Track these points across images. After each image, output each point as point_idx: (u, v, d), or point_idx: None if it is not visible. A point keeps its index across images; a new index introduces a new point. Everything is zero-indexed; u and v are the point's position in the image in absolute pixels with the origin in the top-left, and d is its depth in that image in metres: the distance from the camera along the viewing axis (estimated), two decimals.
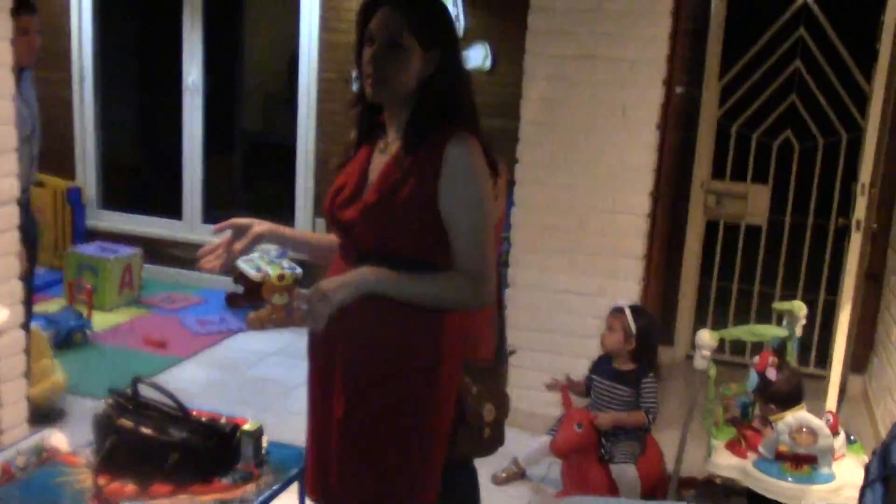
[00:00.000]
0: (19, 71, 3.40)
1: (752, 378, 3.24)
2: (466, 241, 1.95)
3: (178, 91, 6.06)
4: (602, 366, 3.51)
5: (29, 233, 3.54)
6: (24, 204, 3.44)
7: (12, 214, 3.28)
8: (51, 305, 5.27)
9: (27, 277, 3.51)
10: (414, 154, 1.96)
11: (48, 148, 6.19)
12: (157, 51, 6.84)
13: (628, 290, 3.97)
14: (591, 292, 3.98)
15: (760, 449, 3.14)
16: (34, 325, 3.99)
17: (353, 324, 1.99)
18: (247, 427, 2.55)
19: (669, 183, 4.76)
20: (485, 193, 1.97)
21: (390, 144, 2.04)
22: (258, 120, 7.85)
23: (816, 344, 4.97)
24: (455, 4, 5.24)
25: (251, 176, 7.33)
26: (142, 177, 7.22)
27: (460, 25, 5.25)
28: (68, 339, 4.73)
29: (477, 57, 5.25)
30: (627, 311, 3.41)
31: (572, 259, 4.02)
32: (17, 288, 3.33)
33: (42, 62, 6.12)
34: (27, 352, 3.45)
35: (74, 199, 6.12)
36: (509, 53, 4.86)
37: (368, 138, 2.10)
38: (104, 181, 6.43)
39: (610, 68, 3.81)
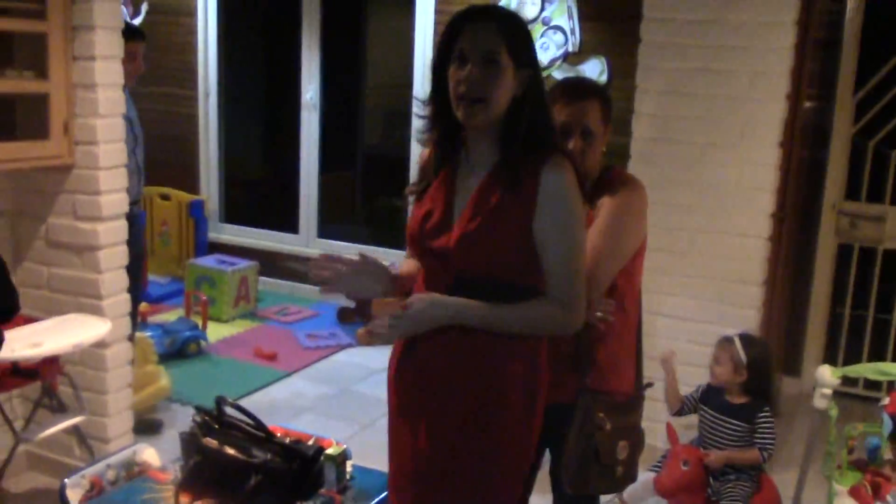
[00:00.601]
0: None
1: (886, 423, 2.96)
2: (559, 268, 1.91)
3: (298, 107, 6.17)
4: (712, 397, 3.29)
5: (136, 245, 3.63)
6: (132, 217, 3.53)
7: (122, 229, 3.37)
8: (170, 315, 5.43)
9: (133, 288, 3.61)
10: (509, 178, 1.90)
11: (174, 162, 6.51)
12: (279, 68, 7.01)
13: (746, 317, 3.73)
14: (708, 319, 3.76)
15: (889, 498, 2.85)
16: (141, 333, 4.09)
17: (443, 356, 1.95)
18: (330, 451, 2.50)
19: (797, 204, 4.47)
20: (579, 219, 1.93)
21: (476, 167, 1.97)
22: (378, 135, 7.94)
23: None
24: (570, 17, 5.11)
25: (370, 190, 7.40)
26: (262, 191, 7.41)
27: (575, 39, 5.12)
28: (183, 349, 4.85)
29: (593, 71, 5.09)
30: (737, 341, 3.18)
31: (687, 283, 3.81)
32: (125, 301, 3.41)
33: (170, 79, 6.42)
34: (132, 363, 3.53)
35: (197, 212, 6.32)
36: (626, 68, 4.68)
37: (446, 160, 2.02)
38: (226, 195, 6.62)
39: (728, 82, 3.60)
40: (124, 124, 3.33)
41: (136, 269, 3.63)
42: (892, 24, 4.52)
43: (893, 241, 4.68)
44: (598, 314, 2.21)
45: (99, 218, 3.26)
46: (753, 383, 3.17)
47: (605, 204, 2.26)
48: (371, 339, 1.90)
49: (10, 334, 2.81)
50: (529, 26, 5.14)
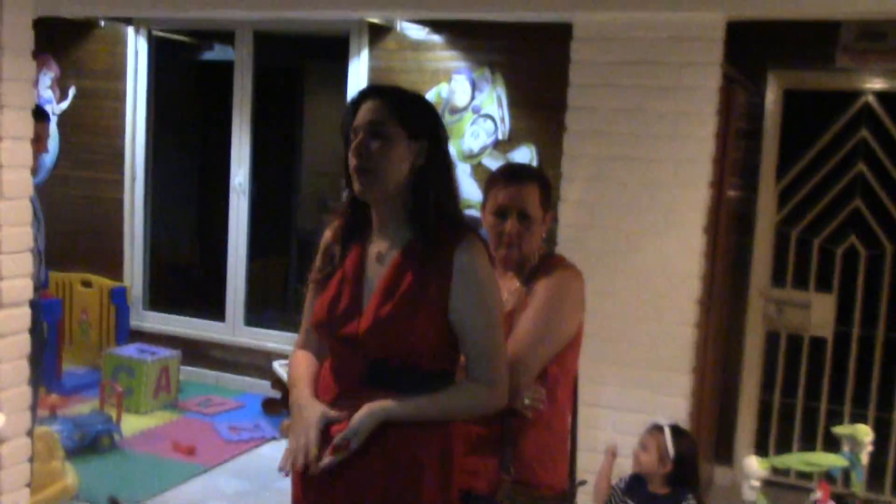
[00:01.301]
0: None
1: None
2: (480, 348, 1.88)
3: (228, 191, 6.07)
4: (636, 490, 3.18)
5: (38, 334, 3.47)
6: (34, 304, 3.37)
7: (24, 316, 3.19)
8: (83, 408, 5.17)
9: (33, 380, 3.42)
10: (420, 260, 1.85)
11: (97, 248, 6.33)
12: (210, 151, 6.94)
13: (677, 406, 3.67)
14: (640, 409, 3.69)
15: None
16: (46, 427, 3.86)
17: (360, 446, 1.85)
18: None
19: (724, 290, 4.48)
20: (495, 299, 1.91)
21: (387, 251, 1.91)
22: (313, 220, 7.87)
23: (894, 468, 4.53)
24: (500, 106, 5.16)
25: (303, 276, 7.27)
26: (189, 277, 7.23)
27: (505, 128, 5.16)
28: (94, 443, 4.59)
29: (523, 159, 5.12)
30: (667, 431, 3.10)
31: (618, 372, 3.75)
32: (26, 393, 3.22)
33: (95, 163, 6.28)
34: (31, 460, 3.31)
35: (120, 299, 6.10)
36: (554, 155, 4.71)
37: (350, 242, 1.95)
38: (151, 281, 6.42)
39: (652, 170, 3.63)
40: (30, 208, 3.20)
41: (37, 359, 3.45)
42: (812, 115, 4.65)
43: (819, 328, 4.70)
44: (526, 401, 2.15)
45: (0, 305, 3.09)
46: (678, 475, 3.09)
47: (540, 288, 2.22)
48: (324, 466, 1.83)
49: None
50: (459, 115, 5.23)
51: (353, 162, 1.87)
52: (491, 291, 1.89)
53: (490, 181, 2.34)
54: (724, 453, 4.76)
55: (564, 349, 2.27)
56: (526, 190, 2.26)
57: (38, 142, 3.50)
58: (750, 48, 4.33)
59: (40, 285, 3.60)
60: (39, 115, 3.44)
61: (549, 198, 2.33)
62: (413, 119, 1.87)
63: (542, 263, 2.31)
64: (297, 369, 2.03)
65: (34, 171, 3.44)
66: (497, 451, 2.20)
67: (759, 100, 4.60)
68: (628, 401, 3.70)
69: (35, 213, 3.49)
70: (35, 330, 3.30)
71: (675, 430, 3.14)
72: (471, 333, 1.87)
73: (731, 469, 4.74)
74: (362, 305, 1.88)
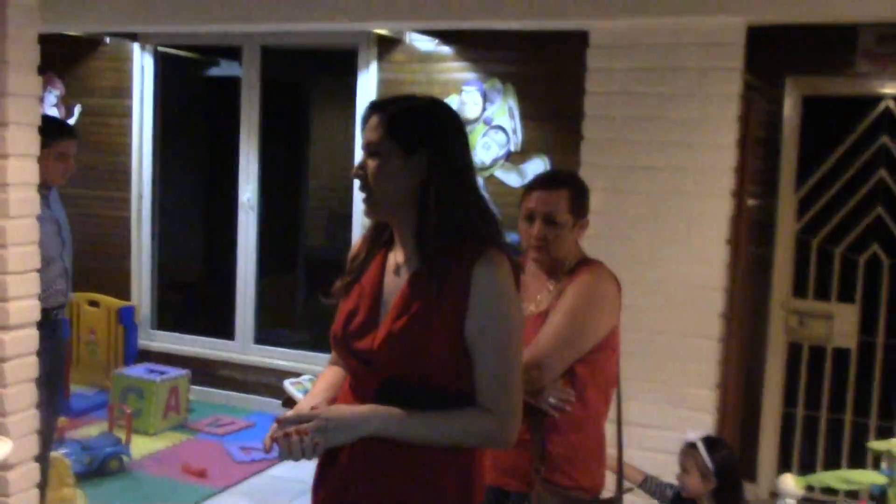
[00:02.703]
0: (47, 189, 3.40)
1: None
2: (492, 375, 1.74)
3: (236, 208, 5.99)
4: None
5: (57, 354, 3.44)
6: (55, 324, 3.34)
7: (32, 339, 3.11)
8: (92, 430, 5.08)
9: (50, 403, 3.35)
10: (437, 275, 1.74)
11: (104, 267, 6.25)
12: (217, 168, 6.87)
13: (701, 421, 3.57)
14: (660, 424, 3.59)
15: None
16: (58, 451, 3.77)
17: (368, 468, 1.75)
18: None
19: (745, 303, 4.39)
20: (514, 320, 1.77)
21: (403, 263, 1.81)
22: (321, 237, 7.80)
23: None
24: (512, 117, 5.08)
25: (312, 293, 7.20)
26: (197, 296, 7.15)
27: (517, 139, 5.08)
28: (103, 466, 4.50)
29: (536, 171, 5.03)
30: (700, 446, 2.99)
31: (639, 387, 3.64)
32: (32, 417, 3.13)
33: (102, 181, 6.22)
34: (41, 486, 3.21)
35: (127, 319, 6.02)
36: (570, 166, 4.63)
37: (373, 253, 1.87)
38: (159, 301, 6.35)
39: (672, 179, 3.55)
40: (52, 226, 3.16)
41: (55, 382, 3.38)
42: (831, 122, 4.56)
43: (842, 338, 4.60)
44: (552, 400, 2.18)
45: (6, 326, 3.01)
46: (724, 491, 2.97)
47: (570, 290, 2.27)
48: (286, 454, 1.66)
49: None
50: (470, 126, 5.15)
51: (357, 182, 1.81)
52: (510, 313, 1.75)
53: (525, 188, 2.43)
54: (748, 469, 4.64)
55: (594, 351, 2.29)
56: (554, 195, 2.32)
57: (67, 160, 3.46)
58: (767, 54, 4.25)
59: (65, 304, 3.54)
60: (69, 132, 3.44)
61: (583, 204, 2.37)
62: (408, 132, 1.76)
63: (578, 267, 2.34)
64: (317, 382, 1.95)
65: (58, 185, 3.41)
66: (530, 449, 2.23)
67: (777, 107, 4.51)
68: (652, 417, 3.60)
69: (60, 232, 3.42)
70: (54, 350, 3.26)
71: (708, 441, 3.03)
72: (483, 356, 1.72)
73: (755, 485, 4.63)
74: (378, 321, 1.79)
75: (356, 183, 1.83)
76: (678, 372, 3.59)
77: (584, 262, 2.37)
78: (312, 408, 1.76)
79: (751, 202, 4.37)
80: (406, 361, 1.73)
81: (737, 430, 4.49)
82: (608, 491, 2.49)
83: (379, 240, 1.89)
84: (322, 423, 1.67)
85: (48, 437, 3.46)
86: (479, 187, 1.83)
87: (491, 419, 1.73)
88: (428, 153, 1.75)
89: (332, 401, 1.86)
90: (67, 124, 3.50)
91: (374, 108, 1.81)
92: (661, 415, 3.60)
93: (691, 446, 3.03)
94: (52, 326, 3.41)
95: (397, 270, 1.82)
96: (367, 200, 1.79)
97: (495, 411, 1.72)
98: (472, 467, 1.81)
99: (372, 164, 1.77)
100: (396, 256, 1.83)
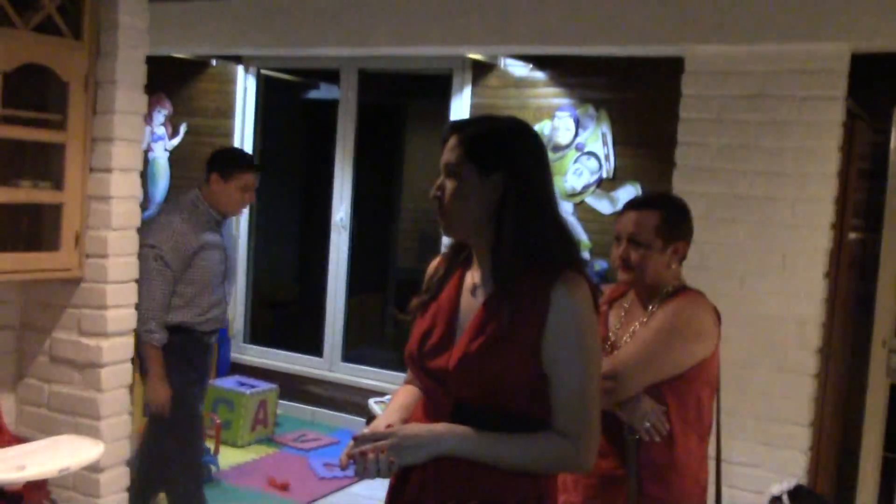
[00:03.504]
0: (223, 218, 3.57)
1: None
2: (570, 399, 1.71)
3: (329, 228, 6.11)
4: None
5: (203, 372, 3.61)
6: (209, 345, 3.61)
7: (127, 346, 3.23)
8: None
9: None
10: (514, 296, 1.72)
11: None
12: (312, 188, 7.02)
13: (794, 461, 3.44)
14: (755, 462, 3.47)
15: None
16: None
17: (440, 488, 1.73)
18: None
19: (844, 340, 4.21)
20: (592, 344, 1.74)
21: (480, 284, 1.80)
22: (412, 258, 7.86)
23: None
24: (605, 144, 5.04)
25: (401, 313, 7.26)
26: (288, 312, 7.29)
27: (609, 166, 5.03)
28: None
29: (627, 198, 4.96)
30: (785, 499, 2.87)
31: (729, 423, 3.53)
32: (125, 422, 3.24)
33: None
34: (130, 490, 3.32)
35: (221, 332, 6.17)
36: None
37: (451, 272, 1.87)
38: (252, 316, 6.50)
39: (768, 209, 3.44)
40: (219, 254, 3.47)
41: (192, 405, 3.57)
42: None
43: None
44: (647, 424, 2.14)
45: (104, 334, 3.13)
46: None
47: (657, 314, 2.23)
48: (361, 471, 1.67)
49: None
50: (562, 152, 5.13)
51: (434, 201, 1.81)
52: (588, 336, 1.72)
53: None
54: None
55: (680, 381, 2.20)
56: (643, 216, 2.28)
57: (249, 192, 3.56)
58: (875, 84, 4.10)
59: (218, 329, 3.68)
60: (252, 165, 3.57)
61: (676, 227, 2.31)
62: (484, 154, 1.75)
63: (674, 294, 2.28)
64: (392, 401, 1.94)
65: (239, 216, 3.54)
66: (623, 486, 2.18)
67: (883, 138, 4.34)
68: (742, 454, 3.49)
69: (225, 261, 3.55)
70: (204, 371, 3.51)
71: (794, 494, 2.91)
72: (560, 380, 1.69)
73: None
74: (454, 341, 1.78)
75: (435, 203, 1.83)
76: (771, 408, 3.46)
77: (682, 290, 2.29)
78: (388, 426, 1.76)
79: (852, 236, 4.20)
80: (481, 383, 1.72)
81: (832, 472, 4.30)
82: None
83: (457, 259, 1.88)
84: (397, 442, 1.67)
85: (188, 465, 3.58)
86: (558, 210, 1.80)
87: (566, 443, 1.70)
88: (504, 175, 1.73)
89: (407, 420, 1.85)
90: (251, 157, 3.64)
91: (453, 128, 1.81)
92: (751, 452, 3.48)
93: (776, 500, 2.91)
94: (202, 348, 3.58)
95: (474, 291, 1.80)
96: (443, 220, 1.79)
97: (571, 435, 1.69)
98: (545, 492, 1.77)
99: (449, 185, 1.77)
100: (474, 277, 1.82)
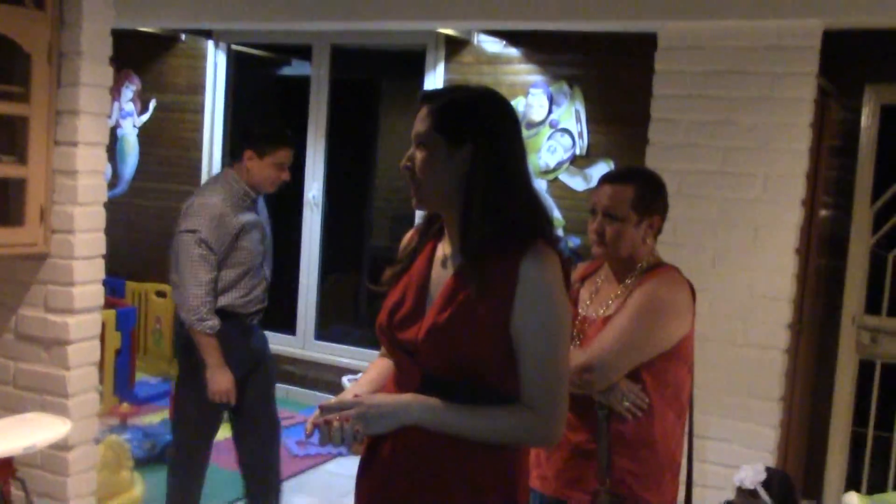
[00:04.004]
0: (256, 195, 3.43)
1: None
2: (537, 372, 1.69)
3: (301, 206, 6.06)
4: None
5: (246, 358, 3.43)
6: (251, 328, 3.46)
7: (95, 323, 3.19)
8: (154, 417, 5.18)
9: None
10: (483, 268, 1.70)
11: (168, 257, 6.38)
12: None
13: (764, 436, 3.47)
14: (725, 437, 3.50)
15: None
16: (116, 436, 3.85)
17: (409, 462, 1.73)
18: None
19: (814, 316, 4.25)
20: (561, 318, 1.72)
21: (451, 256, 1.79)
22: (387, 237, 7.83)
23: None
24: (578, 121, 5.03)
25: (375, 292, 7.22)
26: None
27: (583, 143, 5.02)
28: (163, 453, 4.57)
29: (601, 175, 4.96)
30: (761, 493, 2.88)
31: (700, 398, 3.55)
32: (94, 400, 3.20)
33: (173, 175, 6.35)
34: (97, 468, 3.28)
35: None
36: None
37: (423, 244, 1.86)
38: None
39: (740, 185, 3.45)
40: (258, 234, 3.40)
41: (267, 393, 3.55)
42: None
43: None
44: (626, 403, 2.14)
45: (70, 310, 3.08)
46: None
47: (635, 295, 2.21)
48: (326, 439, 1.67)
49: None
50: (536, 129, 5.11)
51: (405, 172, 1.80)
52: (557, 309, 1.70)
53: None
54: (813, 488, 4.49)
55: (660, 360, 2.21)
56: (618, 190, 2.27)
57: (283, 170, 3.41)
58: (846, 61, 4.11)
59: (262, 311, 3.54)
60: (288, 142, 3.41)
61: (651, 201, 2.30)
62: (453, 124, 1.73)
63: (649, 271, 2.27)
64: (365, 373, 1.93)
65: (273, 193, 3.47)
66: (594, 460, 2.19)
67: (854, 115, 4.36)
68: (714, 429, 3.51)
69: (263, 240, 3.46)
70: (249, 355, 3.39)
71: (767, 484, 2.92)
72: (528, 352, 1.68)
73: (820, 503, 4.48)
74: (424, 312, 1.77)
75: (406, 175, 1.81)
76: (742, 383, 3.49)
77: (657, 267, 2.29)
78: (355, 396, 1.75)
79: (823, 213, 4.24)
80: (449, 355, 1.70)
81: (802, 447, 4.35)
82: None
83: (430, 230, 1.86)
84: (363, 410, 1.66)
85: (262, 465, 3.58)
86: (531, 182, 1.78)
87: (535, 417, 1.69)
88: (473, 145, 1.71)
89: (378, 391, 1.85)
90: (288, 134, 3.46)
91: (424, 98, 1.79)
92: (722, 427, 3.50)
93: (752, 494, 2.93)
94: (245, 332, 3.40)
95: (444, 262, 1.79)
96: (414, 192, 1.77)
97: (539, 409, 1.68)
98: (516, 466, 1.77)
99: (419, 155, 1.75)
100: (445, 248, 1.81)
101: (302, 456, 4.92)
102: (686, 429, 2.37)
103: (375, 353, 5.83)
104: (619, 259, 2.30)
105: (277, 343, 6.09)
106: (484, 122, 1.74)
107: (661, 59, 3.61)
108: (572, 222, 4.98)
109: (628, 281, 2.28)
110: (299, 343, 6.07)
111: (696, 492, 3.31)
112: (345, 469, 4.85)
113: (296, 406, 5.77)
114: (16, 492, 2.97)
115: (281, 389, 5.95)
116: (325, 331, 6.15)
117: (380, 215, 7.92)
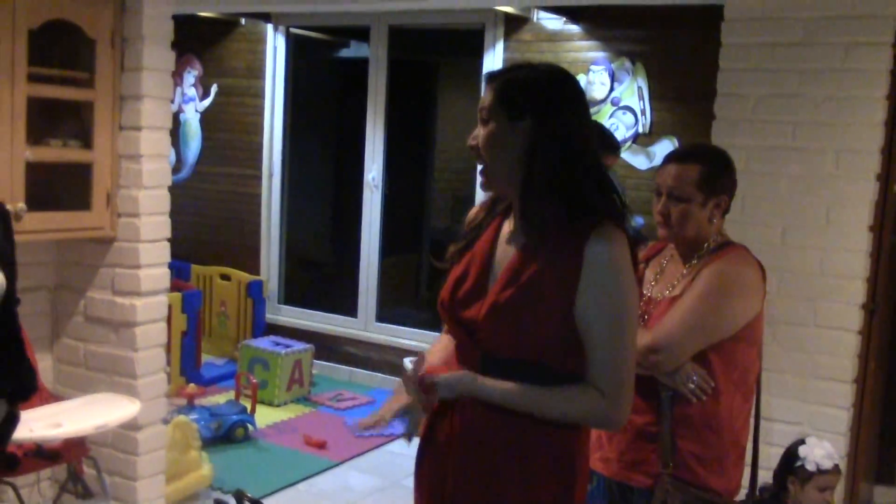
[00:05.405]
0: None
1: None
2: (603, 353, 1.67)
3: (361, 188, 6.08)
4: None
5: None
6: None
7: (161, 305, 3.24)
8: (220, 398, 5.26)
9: None
10: (547, 247, 1.68)
11: (236, 242, 6.47)
12: (345, 148, 6.98)
13: (836, 417, 3.36)
14: (795, 419, 3.40)
15: None
16: (184, 416, 3.92)
17: (465, 443, 1.74)
18: None
19: (889, 294, 4.10)
20: (628, 299, 1.68)
21: (517, 234, 1.75)
22: (446, 218, 7.82)
23: None
24: (641, 98, 4.93)
25: (435, 274, 7.24)
26: (322, 273, 7.30)
27: (646, 120, 4.92)
28: (229, 433, 4.66)
29: (664, 153, 4.86)
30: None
31: (769, 379, 3.47)
32: (163, 381, 3.25)
33: (234, 159, 6.42)
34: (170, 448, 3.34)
35: (256, 292, 6.21)
36: None
37: (489, 220, 1.84)
38: (287, 276, 6.52)
39: (811, 160, 3.33)
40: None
41: None
42: None
43: None
44: (691, 385, 2.10)
45: (137, 293, 3.13)
46: None
47: (702, 275, 2.15)
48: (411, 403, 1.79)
49: (32, 413, 2.66)
50: (597, 107, 5.03)
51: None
52: (624, 291, 1.66)
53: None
54: (886, 471, 4.37)
55: (728, 341, 2.15)
56: (683, 170, 2.20)
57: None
58: None
59: None
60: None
61: (718, 180, 2.23)
62: (513, 99, 1.70)
63: (717, 251, 2.21)
64: (430, 351, 1.92)
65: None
66: (658, 443, 2.15)
67: None
68: (782, 411, 3.41)
69: None
70: None
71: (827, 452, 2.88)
72: (594, 333, 1.65)
73: (891, 489, 4.35)
74: (487, 289, 1.74)
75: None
76: (813, 364, 3.38)
77: (726, 246, 2.22)
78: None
79: None
80: (510, 335, 1.68)
81: (875, 429, 4.22)
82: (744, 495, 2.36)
83: (496, 207, 1.84)
84: (429, 381, 1.71)
85: None
86: (597, 159, 1.74)
87: (599, 398, 1.66)
88: (533, 120, 1.68)
89: (446, 362, 1.85)
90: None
91: (489, 77, 1.78)
92: (791, 409, 3.40)
93: (837, 470, 2.88)
94: None
95: (510, 240, 1.76)
96: (482, 171, 1.76)
97: (604, 390, 1.65)
98: (578, 447, 1.74)
99: (483, 132, 1.73)
100: (511, 226, 1.78)
101: (366, 436, 4.94)
102: (752, 411, 2.31)
103: (436, 334, 5.83)
104: (686, 240, 2.24)
105: (339, 325, 6.16)
106: (543, 97, 1.71)
107: (728, 31, 3.49)
108: (635, 202, 4.90)
109: (695, 261, 2.22)
110: (361, 325, 6.11)
111: (761, 475, 3.26)
112: (408, 449, 4.85)
113: (358, 388, 5.81)
114: (88, 470, 3.04)
115: (343, 371, 6.03)
116: (385, 313, 6.18)
117: (439, 196, 7.92)
